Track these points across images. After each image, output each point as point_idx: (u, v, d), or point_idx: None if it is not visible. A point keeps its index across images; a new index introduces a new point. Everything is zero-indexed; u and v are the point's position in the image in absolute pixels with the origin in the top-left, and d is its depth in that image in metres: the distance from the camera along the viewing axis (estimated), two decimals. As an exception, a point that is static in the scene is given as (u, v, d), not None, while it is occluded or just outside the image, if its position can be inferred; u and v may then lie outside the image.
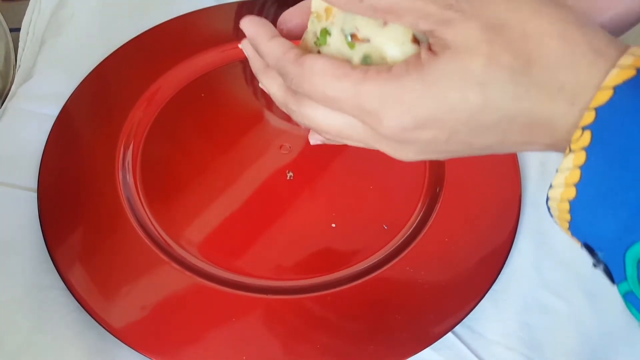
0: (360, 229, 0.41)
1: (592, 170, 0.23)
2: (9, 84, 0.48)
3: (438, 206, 0.42)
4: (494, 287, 0.38)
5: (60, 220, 0.40)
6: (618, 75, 0.23)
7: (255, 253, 0.40)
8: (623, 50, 0.24)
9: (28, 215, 0.40)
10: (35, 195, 0.41)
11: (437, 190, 0.43)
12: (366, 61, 0.27)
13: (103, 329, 0.35)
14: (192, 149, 0.45)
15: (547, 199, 0.26)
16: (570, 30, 0.24)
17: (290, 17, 0.32)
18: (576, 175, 0.24)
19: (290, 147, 0.45)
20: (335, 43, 0.28)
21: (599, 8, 0.35)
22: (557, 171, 0.25)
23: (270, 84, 0.30)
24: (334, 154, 0.44)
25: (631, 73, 0.23)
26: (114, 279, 0.38)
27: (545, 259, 0.41)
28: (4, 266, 0.38)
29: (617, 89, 0.23)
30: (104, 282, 0.37)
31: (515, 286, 0.40)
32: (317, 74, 0.26)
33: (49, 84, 0.47)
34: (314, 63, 0.26)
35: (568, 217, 0.25)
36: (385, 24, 0.27)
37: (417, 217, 0.42)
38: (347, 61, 0.27)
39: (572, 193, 0.24)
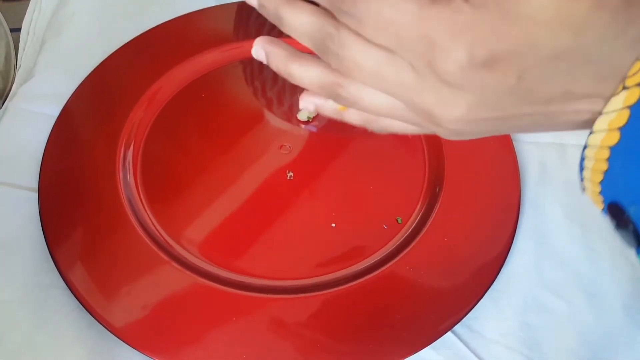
0: (360, 228, 0.41)
1: None
2: (10, 84, 0.48)
3: (438, 206, 0.42)
4: (494, 286, 0.38)
5: (61, 219, 0.40)
6: None
7: (256, 253, 0.40)
8: None
9: (29, 215, 0.40)
10: (35, 195, 0.41)
11: (437, 190, 0.43)
12: None
13: (104, 328, 0.35)
14: (193, 148, 0.45)
15: (584, 147, 0.24)
16: None
17: None
18: (624, 117, 0.22)
19: (290, 147, 0.45)
20: None
21: None
22: (599, 118, 0.23)
23: (304, 69, 0.28)
24: (334, 154, 0.45)
25: None
26: (115, 278, 0.38)
27: (545, 259, 0.41)
28: (4, 266, 0.38)
29: None
30: (105, 281, 0.37)
31: (515, 286, 0.40)
32: None
33: (49, 84, 0.47)
34: None
35: (605, 166, 0.23)
36: None
37: (417, 217, 0.42)
38: None
39: (614, 138, 0.23)
